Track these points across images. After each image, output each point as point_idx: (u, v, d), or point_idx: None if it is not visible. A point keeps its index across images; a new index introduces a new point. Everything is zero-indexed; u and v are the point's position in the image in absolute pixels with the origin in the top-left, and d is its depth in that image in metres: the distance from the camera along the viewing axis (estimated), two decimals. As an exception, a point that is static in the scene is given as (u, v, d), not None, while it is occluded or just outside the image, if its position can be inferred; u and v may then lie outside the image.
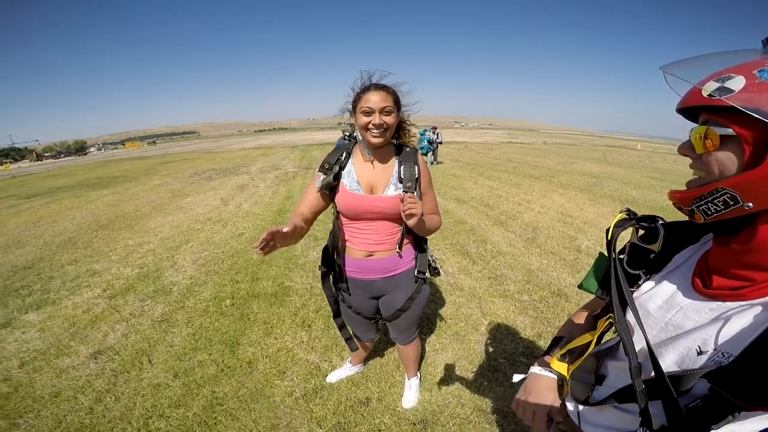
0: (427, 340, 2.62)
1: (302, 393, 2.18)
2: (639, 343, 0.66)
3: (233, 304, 3.23)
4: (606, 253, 0.85)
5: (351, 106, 1.40)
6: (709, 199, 0.54)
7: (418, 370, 2.25)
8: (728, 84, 0.51)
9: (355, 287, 1.63)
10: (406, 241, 1.56)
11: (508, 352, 2.48)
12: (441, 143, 13.14)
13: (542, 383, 0.85)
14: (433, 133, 12.49)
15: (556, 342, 0.93)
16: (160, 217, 6.53)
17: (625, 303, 0.69)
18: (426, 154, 11.90)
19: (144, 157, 28.76)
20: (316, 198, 1.50)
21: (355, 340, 1.97)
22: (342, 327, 1.85)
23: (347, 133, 6.12)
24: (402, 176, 1.43)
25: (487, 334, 2.70)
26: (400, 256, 1.55)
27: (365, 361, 2.38)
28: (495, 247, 4.49)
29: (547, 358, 0.92)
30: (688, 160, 0.61)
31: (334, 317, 1.82)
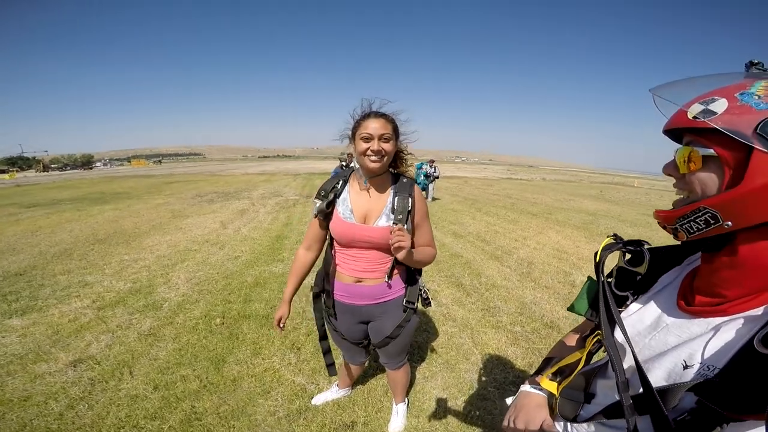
0: (417, 368, 2.58)
1: (285, 413, 2.13)
2: (627, 362, 0.67)
3: (223, 323, 3.20)
4: (594, 277, 0.88)
5: (350, 133, 1.44)
6: (692, 218, 0.57)
7: (407, 396, 2.21)
8: (712, 106, 0.53)
9: (343, 311, 1.63)
10: (396, 270, 1.56)
11: (498, 381, 2.44)
12: (438, 177, 12.71)
13: (533, 400, 0.86)
14: (431, 166, 12.02)
15: (547, 362, 0.95)
16: (159, 236, 6.54)
17: (613, 321, 0.71)
18: (423, 190, 11.33)
19: (149, 175, 29.08)
20: (316, 225, 1.56)
21: (344, 363, 1.95)
22: (327, 351, 1.85)
23: (344, 162, 6.14)
24: (395, 207, 1.44)
25: (478, 364, 2.66)
26: (389, 286, 1.55)
27: (353, 385, 2.33)
28: (489, 280, 4.48)
29: (537, 377, 0.93)
30: None
31: (321, 339, 1.82)
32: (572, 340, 1.00)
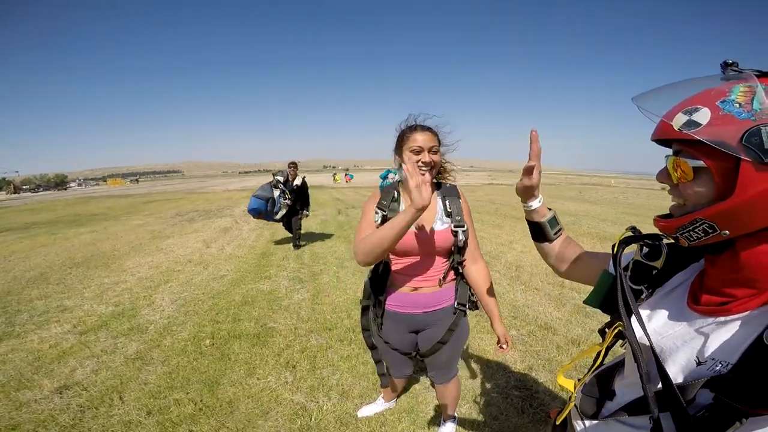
0: (419, 378, 2.55)
1: (287, 433, 2.06)
2: (644, 354, 0.67)
3: (213, 344, 3.10)
4: (609, 271, 0.89)
5: (396, 146, 1.47)
6: (690, 228, 0.58)
7: (455, 412, 2.07)
8: (695, 117, 0.54)
9: (396, 321, 1.60)
10: (451, 277, 1.57)
11: (500, 387, 2.44)
12: None
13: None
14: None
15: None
16: (139, 258, 6.32)
17: (630, 312, 0.71)
18: None
19: (126, 195, 28.25)
20: (374, 227, 1.48)
21: (388, 376, 1.90)
22: (378, 360, 1.79)
23: (279, 179, 6.00)
24: (449, 210, 1.48)
25: (477, 371, 2.64)
26: (443, 293, 1.56)
27: (397, 397, 2.31)
28: (481, 284, 4.50)
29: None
30: (662, 195, 0.64)
31: (371, 349, 1.76)
32: (577, 251, 1.01)
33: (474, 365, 2.70)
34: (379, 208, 1.46)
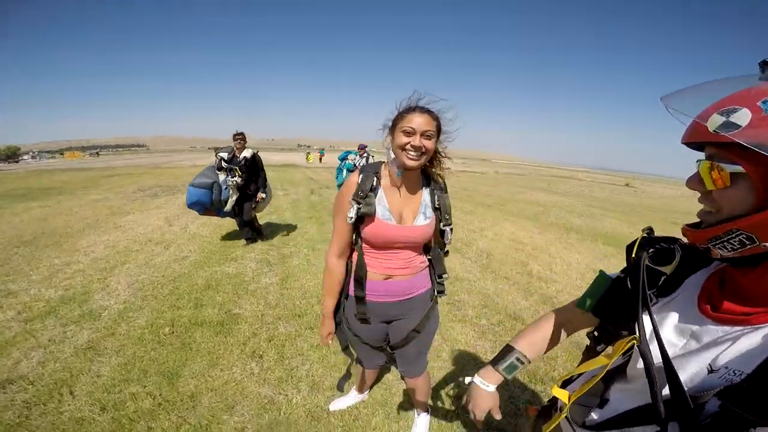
0: (390, 368, 2.51)
1: (255, 429, 1.99)
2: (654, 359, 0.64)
3: (173, 332, 2.94)
4: (604, 270, 0.85)
5: (391, 124, 1.33)
6: (725, 239, 0.54)
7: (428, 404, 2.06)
8: (733, 118, 0.49)
9: (368, 311, 1.52)
10: (425, 263, 1.53)
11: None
12: None
13: (482, 396, 0.94)
14: (361, 156, 7.31)
15: (507, 350, 0.95)
16: (95, 236, 5.91)
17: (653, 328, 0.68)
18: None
19: (84, 168, 26.34)
20: (348, 229, 1.40)
21: (361, 367, 1.87)
22: (347, 351, 1.73)
23: (224, 156, 4.84)
24: (438, 206, 1.42)
25: (449, 361, 2.65)
26: (417, 277, 1.51)
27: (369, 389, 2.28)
28: (452, 272, 4.52)
29: (489, 369, 0.96)
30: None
31: (344, 350, 1.71)
32: (545, 330, 0.97)
33: (445, 355, 2.71)
34: (354, 200, 1.33)
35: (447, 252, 1.56)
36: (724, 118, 0.50)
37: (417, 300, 1.53)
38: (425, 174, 1.46)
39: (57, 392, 2.22)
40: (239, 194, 5.00)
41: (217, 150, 5.07)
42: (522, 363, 0.95)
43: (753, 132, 0.47)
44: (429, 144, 1.28)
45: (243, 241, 5.43)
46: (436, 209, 1.43)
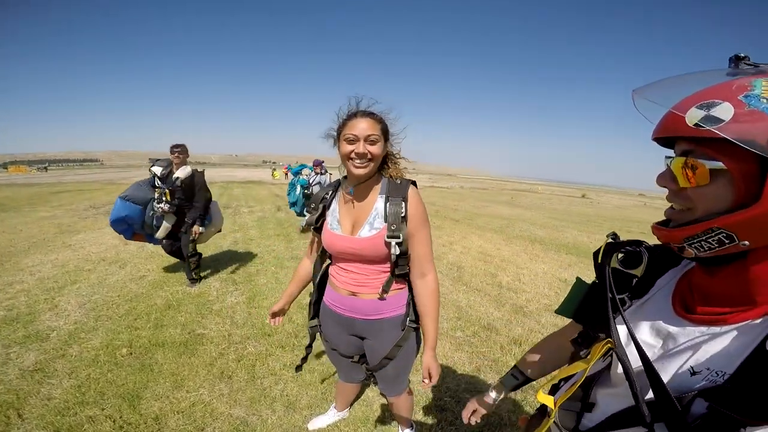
0: (370, 383, 2.43)
1: (225, 454, 1.85)
2: (634, 364, 0.63)
3: (131, 354, 2.73)
4: (581, 277, 0.85)
5: (335, 135, 1.29)
6: (703, 238, 0.52)
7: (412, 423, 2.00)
8: (715, 112, 0.47)
9: (336, 321, 1.48)
10: (396, 287, 1.39)
11: (452, 390, 2.42)
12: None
13: (475, 398, 1.08)
14: (317, 173, 7.00)
15: (518, 373, 1.01)
16: (41, 255, 5.44)
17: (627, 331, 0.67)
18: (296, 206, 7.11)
19: (30, 184, 24.23)
20: (312, 235, 1.51)
21: (340, 382, 1.83)
22: (309, 345, 1.71)
23: (154, 169, 3.93)
24: (386, 214, 1.27)
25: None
26: (384, 300, 1.38)
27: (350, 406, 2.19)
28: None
29: (492, 393, 1.04)
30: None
31: (307, 346, 1.71)
32: (540, 348, 0.99)
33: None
34: (308, 211, 1.42)
35: (399, 275, 1.36)
36: (704, 112, 0.48)
37: (386, 323, 1.42)
38: (387, 181, 1.36)
39: (3, 415, 2.03)
40: (176, 220, 4.03)
41: (152, 162, 4.04)
42: (516, 378, 1.01)
43: (737, 127, 0.45)
44: (375, 149, 1.22)
45: (207, 260, 5.13)
46: (385, 218, 1.29)
